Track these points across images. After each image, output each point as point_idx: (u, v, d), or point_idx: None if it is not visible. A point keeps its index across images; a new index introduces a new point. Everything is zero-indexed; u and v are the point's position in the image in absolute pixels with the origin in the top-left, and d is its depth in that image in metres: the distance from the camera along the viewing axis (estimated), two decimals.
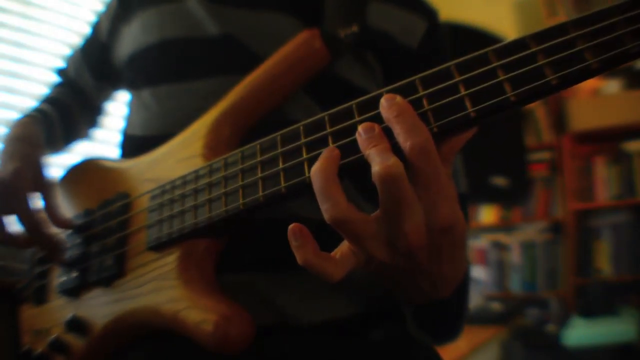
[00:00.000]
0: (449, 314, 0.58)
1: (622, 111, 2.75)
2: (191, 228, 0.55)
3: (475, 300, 2.85)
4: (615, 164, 2.91)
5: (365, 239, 0.42)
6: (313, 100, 0.65)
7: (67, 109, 0.86)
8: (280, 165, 0.49)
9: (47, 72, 1.66)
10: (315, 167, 0.42)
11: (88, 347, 0.62)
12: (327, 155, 0.43)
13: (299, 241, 0.42)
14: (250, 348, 0.51)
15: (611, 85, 2.89)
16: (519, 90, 0.40)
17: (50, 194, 0.68)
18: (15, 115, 0.78)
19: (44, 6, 1.74)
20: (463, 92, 0.42)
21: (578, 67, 0.38)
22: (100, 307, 0.62)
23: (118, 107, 0.92)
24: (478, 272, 3.09)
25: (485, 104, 0.41)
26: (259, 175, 0.51)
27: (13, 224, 0.66)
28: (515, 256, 3.07)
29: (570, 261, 2.86)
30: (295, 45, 0.61)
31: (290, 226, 0.42)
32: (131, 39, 0.75)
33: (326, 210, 0.41)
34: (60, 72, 0.92)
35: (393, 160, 0.39)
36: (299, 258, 0.42)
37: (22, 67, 1.64)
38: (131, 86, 0.77)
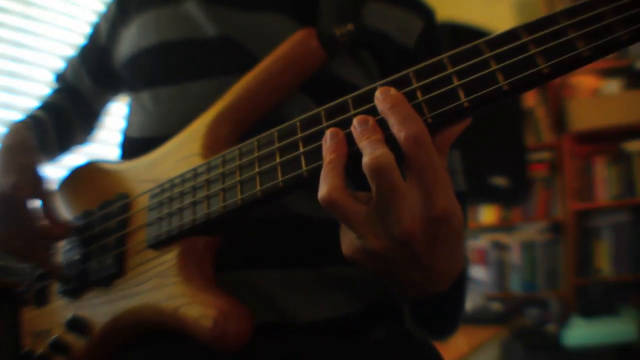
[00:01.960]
0: (446, 309, 0.58)
1: (622, 111, 2.75)
2: (190, 225, 0.55)
3: (475, 300, 2.85)
4: (615, 164, 2.91)
5: (355, 224, 0.43)
6: (310, 100, 0.65)
7: (63, 114, 0.86)
8: (278, 160, 0.50)
9: (47, 72, 1.66)
10: (328, 147, 0.44)
11: (88, 347, 0.62)
12: (338, 140, 0.45)
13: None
14: (250, 346, 0.52)
15: (611, 85, 2.89)
16: (512, 80, 0.40)
17: (50, 199, 0.68)
18: (15, 116, 0.78)
19: (44, 6, 1.74)
20: (456, 82, 0.42)
21: (569, 54, 0.39)
22: (100, 307, 0.62)
23: (119, 107, 0.92)
24: (478, 272, 3.09)
25: (478, 94, 0.41)
26: (257, 170, 0.51)
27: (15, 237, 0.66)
28: (515, 256, 3.07)
29: (570, 261, 2.86)
30: (292, 45, 0.62)
31: None
32: (130, 42, 0.75)
33: (322, 187, 0.43)
34: (59, 76, 0.92)
35: (381, 150, 0.40)
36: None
37: (22, 67, 1.65)
38: (130, 89, 0.77)
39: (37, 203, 0.67)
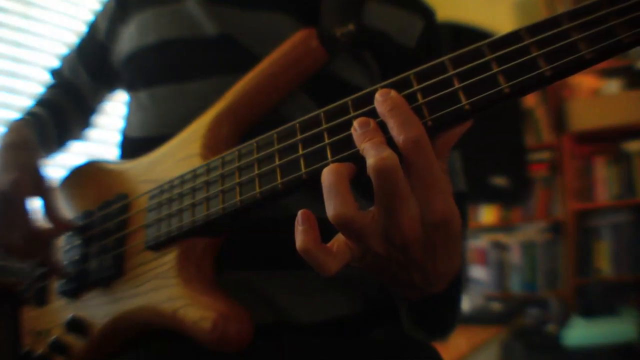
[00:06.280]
0: (443, 310, 0.58)
1: (622, 111, 2.75)
2: (189, 226, 0.55)
3: (475, 300, 2.85)
4: (615, 164, 2.91)
5: (365, 237, 0.42)
6: (311, 100, 0.65)
7: (60, 110, 0.86)
8: (277, 162, 0.49)
9: (47, 72, 1.66)
10: (330, 166, 0.42)
11: (88, 347, 0.62)
12: (344, 163, 0.43)
13: (304, 226, 0.42)
14: (250, 347, 0.52)
15: (611, 85, 2.89)
16: (513, 82, 0.40)
17: (51, 197, 0.68)
18: (15, 116, 0.78)
19: (44, 6, 1.74)
20: (457, 85, 0.42)
21: (572, 57, 0.38)
22: (99, 307, 0.62)
23: (117, 107, 0.92)
24: (478, 272, 3.09)
25: (479, 97, 0.41)
26: (256, 172, 0.51)
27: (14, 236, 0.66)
28: (515, 256, 3.07)
29: (570, 261, 2.86)
30: (292, 44, 0.61)
31: (300, 210, 0.42)
32: (129, 40, 0.75)
33: (333, 207, 0.40)
34: (54, 72, 0.92)
35: (387, 152, 0.39)
36: (299, 243, 0.41)
37: (22, 67, 1.65)
38: (129, 87, 0.77)
39: (37, 201, 0.67)
